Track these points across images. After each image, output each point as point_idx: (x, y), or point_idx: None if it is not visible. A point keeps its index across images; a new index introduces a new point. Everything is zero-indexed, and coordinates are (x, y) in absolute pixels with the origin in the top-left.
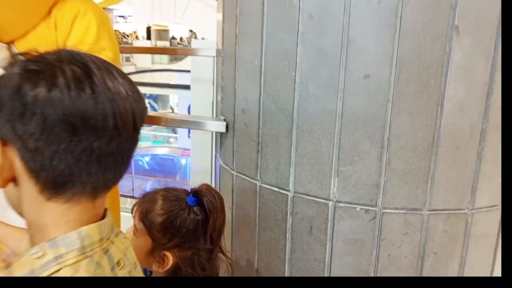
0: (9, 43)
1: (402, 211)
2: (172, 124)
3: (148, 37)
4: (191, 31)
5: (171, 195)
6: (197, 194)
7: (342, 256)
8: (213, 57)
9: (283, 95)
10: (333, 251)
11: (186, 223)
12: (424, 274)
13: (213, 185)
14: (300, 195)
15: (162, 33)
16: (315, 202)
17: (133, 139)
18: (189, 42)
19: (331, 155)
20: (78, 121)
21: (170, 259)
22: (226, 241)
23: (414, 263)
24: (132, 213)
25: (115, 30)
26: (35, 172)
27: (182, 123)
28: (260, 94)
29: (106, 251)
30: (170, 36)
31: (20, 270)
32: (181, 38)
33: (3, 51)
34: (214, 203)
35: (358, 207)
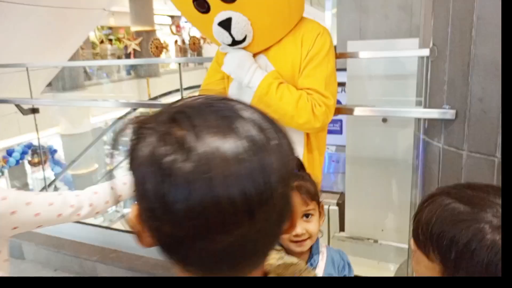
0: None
1: None
2: (404, 115)
3: None
4: None
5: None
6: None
7: None
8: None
9: None
10: None
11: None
12: None
13: (411, 170)
14: None
15: None
16: None
17: (258, 228)
18: None
19: None
20: (165, 223)
21: None
22: None
23: None
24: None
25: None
26: (162, 252)
27: (412, 113)
28: (500, 85)
29: None
30: None
31: None
32: None
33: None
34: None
35: None
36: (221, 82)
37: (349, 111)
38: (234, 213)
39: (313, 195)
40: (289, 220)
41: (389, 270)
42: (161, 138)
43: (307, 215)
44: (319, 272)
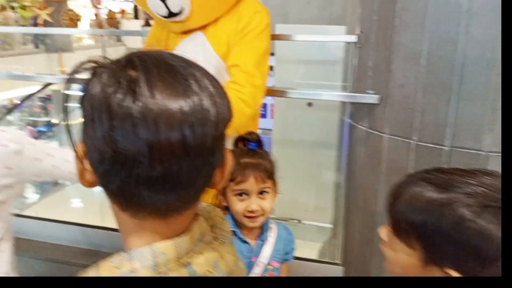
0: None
1: None
2: (331, 98)
3: (136, 16)
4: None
5: (250, 152)
6: (251, 140)
7: None
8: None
9: (444, 72)
10: None
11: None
12: None
13: (335, 149)
14: (456, 149)
15: None
16: (469, 154)
17: (190, 163)
18: None
19: (487, 116)
20: (110, 151)
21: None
22: (373, 191)
23: None
24: (253, 185)
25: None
26: (101, 185)
27: (340, 97)
28: (421, 72)
29: (186, 265)
30: None
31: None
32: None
33: (197, 38)
34: (261, 138)
35: None
36: None
37: (278, 93)
38: (172, 150)
39: (270, 174)
40: (220, 169)
41: (314, 248)
42: (113, 75)
43: (262, 192)
44: (269, 248)
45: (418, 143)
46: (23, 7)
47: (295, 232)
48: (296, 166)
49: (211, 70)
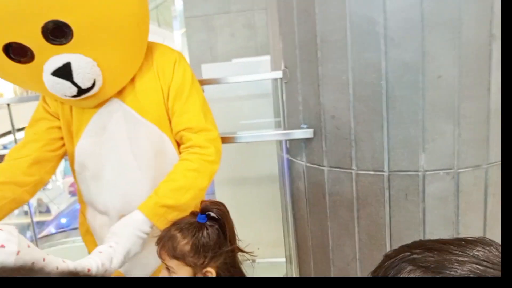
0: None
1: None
2: (268, 138)
3: None
4: None
5: (183, 224)
6: (204, 210)
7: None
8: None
9: (372, 99)
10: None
11: (210, 238)
12: (488, 210)
13: (278, 185)
14: (395, 172)
15: None
16: (408, 175)
17: None
18: None
19: (419, 137)
20: None
21: (213, 272)
22: (320, 225)
23: (482, 204)
24: (159, 257)
25: None
26: None
27: (273, 136)
28: (350, 101)
29: None
30: None
31: None
32: None
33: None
34: (222, 209)
35: (441, 172)
36: (51, 132)
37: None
38: None
39: (177, 254)
40: None
41: None
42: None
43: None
44: None
45: (358, 172)
46: None
47: (251, 273)
48: (242, 204)
49: (142, 138)
